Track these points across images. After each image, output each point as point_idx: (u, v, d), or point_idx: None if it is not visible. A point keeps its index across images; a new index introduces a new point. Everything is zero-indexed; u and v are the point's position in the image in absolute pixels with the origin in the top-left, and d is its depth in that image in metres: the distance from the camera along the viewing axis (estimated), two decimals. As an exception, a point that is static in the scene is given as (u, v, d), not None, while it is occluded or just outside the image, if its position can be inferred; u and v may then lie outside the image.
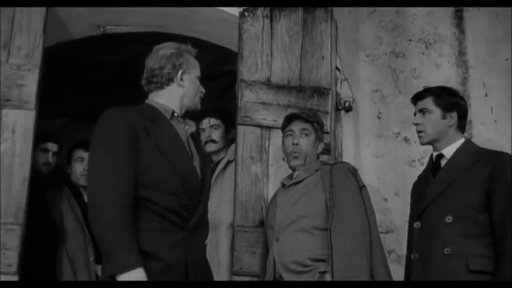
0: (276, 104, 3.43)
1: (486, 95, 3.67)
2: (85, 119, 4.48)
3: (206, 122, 3.64)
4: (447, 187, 2.71)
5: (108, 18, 3.82)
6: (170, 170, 2.30)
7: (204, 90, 2.60)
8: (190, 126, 2.55)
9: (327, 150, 3.33)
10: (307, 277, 2.68)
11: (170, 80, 2.48)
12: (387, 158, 3.57)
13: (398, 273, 2.90)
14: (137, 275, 2.11)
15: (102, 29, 3.90)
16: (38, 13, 3.33)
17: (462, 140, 2.83)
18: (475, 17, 3.79)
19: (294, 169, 2.94)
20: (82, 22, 3.79)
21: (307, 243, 2.72)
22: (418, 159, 3.52)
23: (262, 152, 3.38)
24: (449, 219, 2.65)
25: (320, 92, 3.48)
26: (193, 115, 2.63)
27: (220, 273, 3.34)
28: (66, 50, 4.10)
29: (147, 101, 2.50)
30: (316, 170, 2.88)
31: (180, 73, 2.48)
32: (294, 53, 3.54)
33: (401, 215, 3.36)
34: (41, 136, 3.42)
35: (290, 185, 2.89)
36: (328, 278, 2.64)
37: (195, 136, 2.63)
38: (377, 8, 3.78)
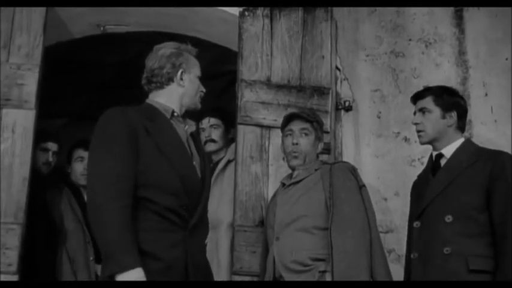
0: (276, 104, 3.43)
1: (486, 94, 3.67)
2: (85, 119, 4.48)
3: (206, 122, 3.64)
4: (447, 187, 2.71)
5: (108, 17, 3.82)
6: (170, 170, 2.30)
7: (204, 90, 2.60)
8: (190, 126, 2.56)
9: (327, 150, 3.33)
10: (307, 276, 2.68)
11: (170, 80, 2.48)
12: (387, 158, 3.57)
13: (398, 273, 2.90)
14: (136, 275, 2.11)
15: (102, 28, 3.90)
16: (38, 13, 3.33)
17: (462, 140, 2.83)
18: (475, 17, 3.79)
19: (293, 169, 2.94)
20: (82, 22, 3.79)
21: (307, 243, 2.72)
22: (418, 159, 3.52)
23: (262, 152, 3.38)
24: (449, 218, 2.65)
25: (320, 91, 3.48)
26: (193, 115, 2.64)
27: (220, 273, 3.35)
28: (66, 50, 4.10)
29: (147, 101, 2.50)
30: (315, 170, 2.88)
31: (179, 73, 2.48)
32: (294, 53, 3.54)
33: (401, 215, 3.36)
34: (41, 136, 3.42)
35: (290, 185, 2.89)
36: (328, 277, 2.64)
37: (195, 136, 2.63)
38: (377, 8, 3.78)
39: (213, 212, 2.91)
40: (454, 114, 2.82)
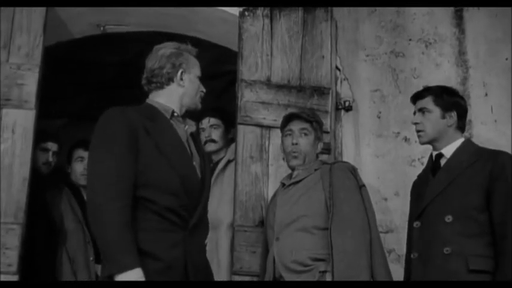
0: (276, 104, 3.43)
1: (486, 94, 3.67)
2: (85, 119, 4.48)
3: (206, 122, 3.64)
4: (447, 186, 2.71)
5: (108, 17, 3.82)
6: (170, 170, 2.30)
7: (204, 90, 2.59)
8: (190, 126, 2.55)
9: (327, 150, 3.33)
10: (308, 276, 2.68)
11: (170, 80, 2.48)
12: (387, 158, 3.57)
13: (398, 273, 2.90)
14: (135, 275, 2.11)
15: (102, 28, 3.90)
16: (38, 13, 3.33)
17: (462, 140, 2.83)
18: (475, 17, 3.79)
19: (293, 169, 2.94)
20: (82, 22, 3.79)
21: (307, 243, 2.72)
22: (418, 159, 3.52)
23: (262, 152, 3.38)
24: (449, 218, 2.65)
25: (320, 91, 3.48)
26: (193, 115, 2.63)
27: (220, 273, 3.34)
28: (66, 50, 4.10)
29: (147, 101, 2.50)
30: (315, 170, 2.88)
31: (179, 73, 2.48)
32: (294, 53, 3.54)
33: (401, 215, 3.36)
34: (41, 136, 3.42)
35: (290, 185, 2.89)
36: (328, 277, 2.64)
37: (195, 136, 2.63)
38: (377, 8, 3.78)
39: (213, 212, 2.91)
40: (453, 114, 2.82)
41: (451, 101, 2.83)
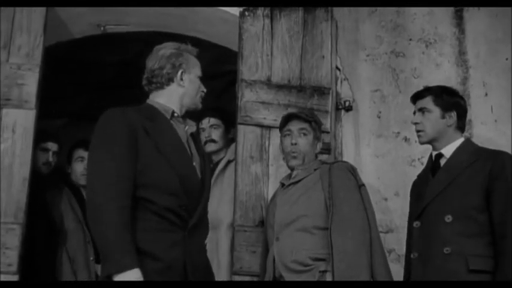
0: (276, 104, 3.43)
1: (486, 94, 3.67)
2: (85, 119, 4.48)
3: (206, 122, 3.64)
4: (447, 186, 2.71)
5: (108, 17, 3.82)
6: (169, 170, 2.30)
7: (205, 90, 2.59)
8: (190, 126, 2.55)
9: (327, 150, 3.33)
10: (308, 276, 2.68)
11: (170, 80, 2.47)
12: (387, 158, 3.57)
13: (398, 273, 2.90)
14: (133, 275, 2.11)
15: (102, 28, 3.90)
16: (38, 13, 3.33)
17: (461, 140, 2.83)
18: (475, 17, 3.79)
19: (292, 169, 2.94)
20: (82, 22, 3.79)
21: (307, 243, 2.72)
22: (418, 159, 3.52)
23: (263, 152, 3.38)
24: (448, 218, 2.65)
25: (320, 91, 3.48)
26: (193, 115, 2.63)
27: (220, 273, 3.35)
28: (67, 50, 4.10)
29: (147, 101, 2.50)
30: (315, 169, 2.88)
31: (179, 73, 2.48)
32: (294, 53, 3.54)
33: (401, 215, 3.36)
34: (41, 136, 3.42)
35: (289, 185, 2.89)
36: (328, 277, 2.64)
37: (195, 136, 2.62)
38: (377, 8, 3.78)
39: (213, 212, 2.91)
40: (453, 114, 2.82)
41: (451, 101, 2.83)
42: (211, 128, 3.64)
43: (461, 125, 2.85)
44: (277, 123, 3.11)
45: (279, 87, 3.46)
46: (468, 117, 3.06)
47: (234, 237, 3.26)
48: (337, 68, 3.66)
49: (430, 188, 2.77)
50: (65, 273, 3.44)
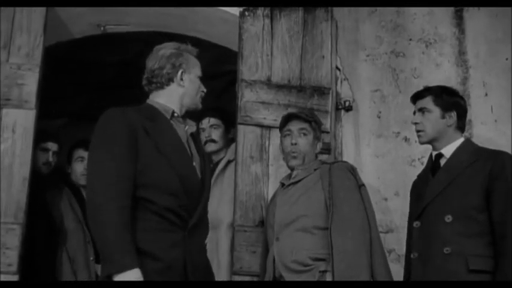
0: (276, 104, 3.43)
1: (486, 94, 3.67)
2: (85, 119, 4.48)
3: (206, 122, 3.64)
4: (447, 186, 2.71)
5: (108, 17, 3.82)
6: (169, 170, 2.30)
7: (205, 90, 2.59)
8: (190, 127, 2.55)
9: (327, 150, 3.33)
10: (308, 276, 2.68)
11: (170, 80, 2.47)
12: (387, 158, 3.57)
13: (398, 273, 2.90)
14: (133, 275, 2.11)
15: (102, 28, 3.90)
16: (38, 13, 3.33)
17: (461, 140, 2.83)
18: (475, 17, 3.79)
19: (292, 169, 2.94)
20: (82, 22, 3.79)
21: (307, 243, 2.72)
22: (418, 159, 3.52)
23: (263, 152, 3.38)
24: (448, 218, 2.65)
25: (320, 91, 3.48)
26: (193, 115, 2.63)
27: (220, 273, 3.35)
28: (67, 50, 4.10)
29: (147, 101, 2.50)
30: (315, 169, 2.88)
31: (179, 73, 2.48)
32: (294, 53, 3.54)
33: (401, 215, 3.36)
34: (41, 136, 3.42)
35: (289, 185, 2.89)
36: (328, 277, 2.64)
37: (195, 136, 2.62)
38: (377, 8, 3.78)
39: (213, 212, 2.91)
40: (453, 114, 2.82)
41: (450, 101, 2.83)
42: (211, 128, 3.64)
43: (461, 125, 2.85)
44: (277, 123, 3.11)
45: (279, 87, 3.46)
46: (468, 117, 3.06)
47: (234, 237, 3.26)
48: (337, 68, 3.66)
49: (430, 188, 2.77)
50: (65, 273, 3.44)
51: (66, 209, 3.56)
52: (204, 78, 2.59)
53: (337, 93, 3.61)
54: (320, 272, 2.67)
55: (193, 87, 2.52)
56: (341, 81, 3.65)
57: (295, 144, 2.90)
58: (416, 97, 2.91)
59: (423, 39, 3.75)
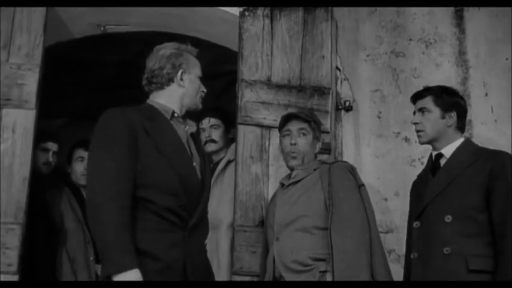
0: (276, 104, 3.43)
1: (486, 94, 3.67)
2: (85, 119, 4.48)
3: (206, 122, 3.64)
4: (446, 186, 2.71)
5: (108, 17, 3.82)
6: (169, 170, 2.30)
7: (205, 90, 2.59)
8: (190, 127, 2.55)
9: (327, 150, 3.33)
10: (308, 276, 2.68)
11: (170, 80, 2.47)
12: (387, 158, 3.57)
13: (398, 273, 2.90)
14: (133, 275, 2.11)
15: (102, 28, 3.90)
16: (38, 13, 3.33)
17: (461, 140, 2.83)
18: (475, 17, 3.79)
19: (292, 169, 2.94)
20: (82, 22, 3.79)
21: (307, 243, 2.72)
22: (419, 159, 3.52)
23: (263, 152, 3.38)
24: (448, 218, 2.65)
25: (320, 91, 3.48)
26: (193, 115, 2.63)
27: (220, 273, 3.35)
28: (67, 50, 4.10)
29: (147, 101, 2.50)
30: (314, 169, 2.88)
31: (179, 73, 2.48)
32: (294, 53, 3.54)
33: (401, 215, 3.36)
34: (41, 136, 3.42)
35: (289, 185, 2.89)
36: (328, 277, 2.64)
37: (195, 136, 2.62)
38: (377, 8, 3.78)
39: (213, 212, 2.91)
40: (453, 114, 2.82)
41: (451, 101, 2.83)
42: (211, 128, 3.64)
43: (461, 125, 2.85)
44: (277, 123, 3.11)
45: (279, 87, 3.46)
46: (468, 117, 3.06)
47: (234, 237, 3.26)
48: (337, 68, 3.66)
49: (430, 188, 2.77)
50: (65, 273, 3.44)
51: (66, 209, 3.56)
52: (204, 78, 2.59)
53: (337, 93, 3.61)
54: (320, 272, 2.67)
55: (193, 87, 2.52)
56: (341, 81, 3.65)
57: (295, 144, 2.90)
58: (416, 97, 2.91)
59: (423, 39, 3.75)
